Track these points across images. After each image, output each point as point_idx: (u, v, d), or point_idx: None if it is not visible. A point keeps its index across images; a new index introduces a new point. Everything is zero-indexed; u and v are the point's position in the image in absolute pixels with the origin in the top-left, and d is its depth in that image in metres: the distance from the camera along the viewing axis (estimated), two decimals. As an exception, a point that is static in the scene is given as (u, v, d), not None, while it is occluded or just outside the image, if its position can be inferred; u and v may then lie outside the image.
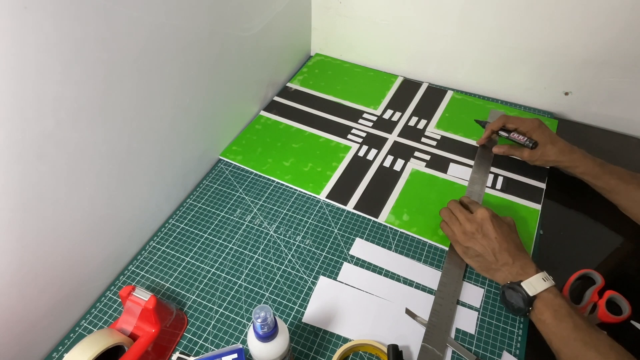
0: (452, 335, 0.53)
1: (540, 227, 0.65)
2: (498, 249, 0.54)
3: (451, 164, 0.74)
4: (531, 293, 0.50)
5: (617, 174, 0.62)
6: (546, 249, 0.62)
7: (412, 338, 0.53)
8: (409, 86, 0.91)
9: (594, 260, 0.61)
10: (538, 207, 0.67)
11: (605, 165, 0.63)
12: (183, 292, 0.59)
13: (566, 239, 0.65)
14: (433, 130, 0.81)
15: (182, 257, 0.63)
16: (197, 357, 0.45)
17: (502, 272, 0.54)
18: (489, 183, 0.71)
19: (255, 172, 0.74)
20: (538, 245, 0.63)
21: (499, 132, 0.72)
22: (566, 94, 0.81)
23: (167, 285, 0.59)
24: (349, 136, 0.80)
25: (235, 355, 0.43)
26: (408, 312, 0.55)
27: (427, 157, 0.76)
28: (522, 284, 0.51)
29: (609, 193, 0.63)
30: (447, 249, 0.62)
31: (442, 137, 0.79)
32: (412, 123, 0.82)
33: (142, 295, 0.49)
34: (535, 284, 0.51)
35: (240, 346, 0.44)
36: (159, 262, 0.62)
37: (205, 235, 0.65)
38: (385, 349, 0.50)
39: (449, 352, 0.52)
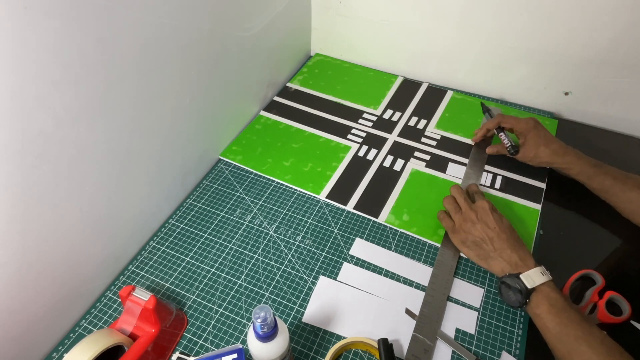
0: (452, 335, 0.53)
1: (540, 227, 0.65)
2: (497, 238, 0.55)
3: (450, 164, 0.74)
4: (529, 285, 0.50)
5: (611, 174, 0.62)
6: (546, 249, 0.62)
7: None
8: (408, 86, 0.91)
9: (594, 260, 0.61)
10: (538, 207, 0.67)
11: (600, 165, 0.63)
12: (183, 292, 0.59)
13: (566, 239, 0.65)
14: (433, 130, 0.81)
15: (182, 257, 0.63)
16: (197, 357, 0.45)
17: (500, 261, 0.55)
18: (488, 182, 0.71)
19: (255, 172, 0.74)
20: (538, 245, 0.63)
21: (495, 130, 0.72)
22: (566, 94, 0.81)
23: (167, 285, 0.59)
24: (349, 136, 0.80)
25: (235, 355, 0.43)
26: (408, 312, 0.55)
27: (427, 157, 0.76)
28: (520, 276, 0.51)
29: (605, 194, 0.63)
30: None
31: (442, 137, 0.79)
32: (412, 123, 0.82)
33: (142, 295, 0.49)
34: (534, 277, 0.51)
35: (240, 346, 0.44)
36: (159, 262, 0.62)
37: (205, 235, 0.65)
38: (376, 345, 0.50)
39: (447, 350, 0.52)
